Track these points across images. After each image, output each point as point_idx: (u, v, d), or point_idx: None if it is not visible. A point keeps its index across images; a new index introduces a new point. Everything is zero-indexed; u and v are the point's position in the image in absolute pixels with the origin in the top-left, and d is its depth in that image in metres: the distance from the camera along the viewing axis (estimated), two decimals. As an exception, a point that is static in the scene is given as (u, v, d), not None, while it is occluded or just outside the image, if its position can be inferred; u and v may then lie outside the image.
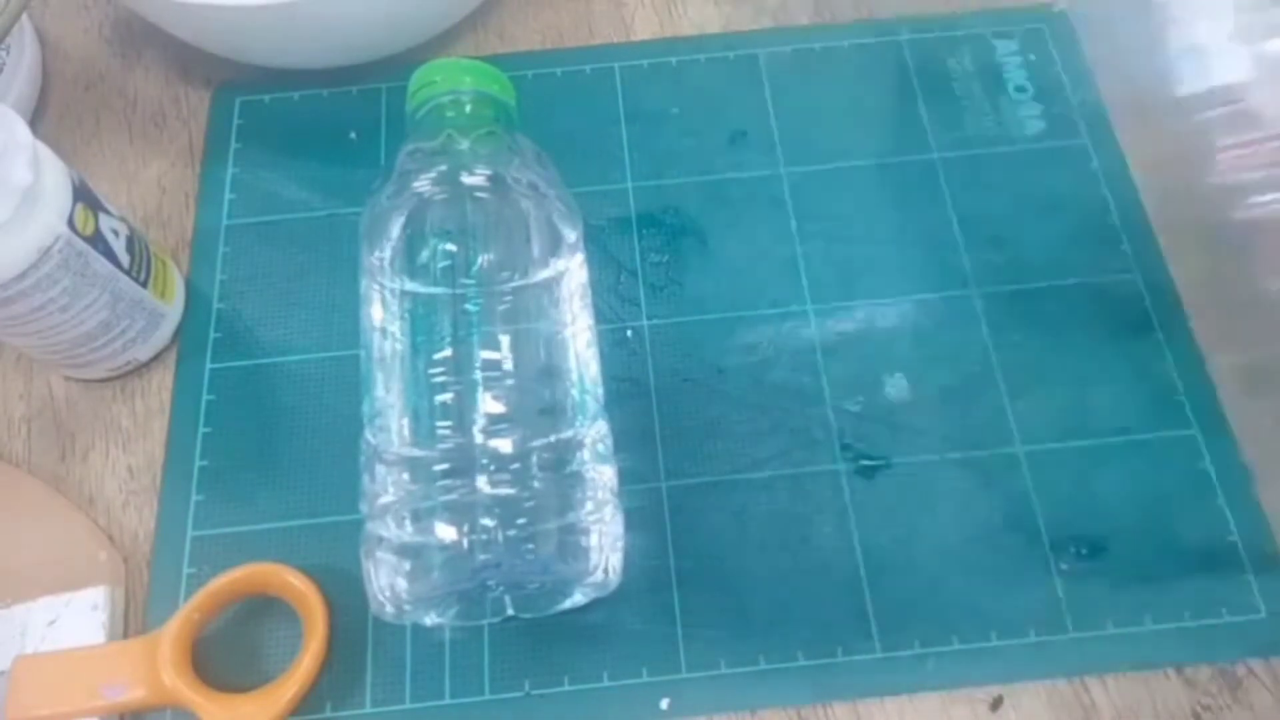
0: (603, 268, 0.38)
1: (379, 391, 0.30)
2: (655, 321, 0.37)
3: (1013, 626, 0.32)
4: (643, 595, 0.32)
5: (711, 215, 0.39)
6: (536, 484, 0.28)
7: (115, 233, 0.33)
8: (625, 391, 0.35)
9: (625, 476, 0.33)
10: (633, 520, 0.32)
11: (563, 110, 0.41)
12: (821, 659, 0.31)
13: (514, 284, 0.31)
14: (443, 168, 0.32)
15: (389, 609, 0.28)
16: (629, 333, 0.36)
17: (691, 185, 0.39)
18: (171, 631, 0.30)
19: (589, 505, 0.29)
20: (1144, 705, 0.31)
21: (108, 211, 0.33)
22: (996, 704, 0.31)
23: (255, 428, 0.35)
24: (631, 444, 0.34)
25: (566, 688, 0.31)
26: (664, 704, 0.31)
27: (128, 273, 0.33)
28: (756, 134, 0.40)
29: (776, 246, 0.38)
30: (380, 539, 0.29)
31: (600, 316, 0.36)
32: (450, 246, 0.31)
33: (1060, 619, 0.32)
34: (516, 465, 0.28)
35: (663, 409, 0.35)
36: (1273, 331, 0.36)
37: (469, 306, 0.30)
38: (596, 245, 0.38)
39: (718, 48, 0.42)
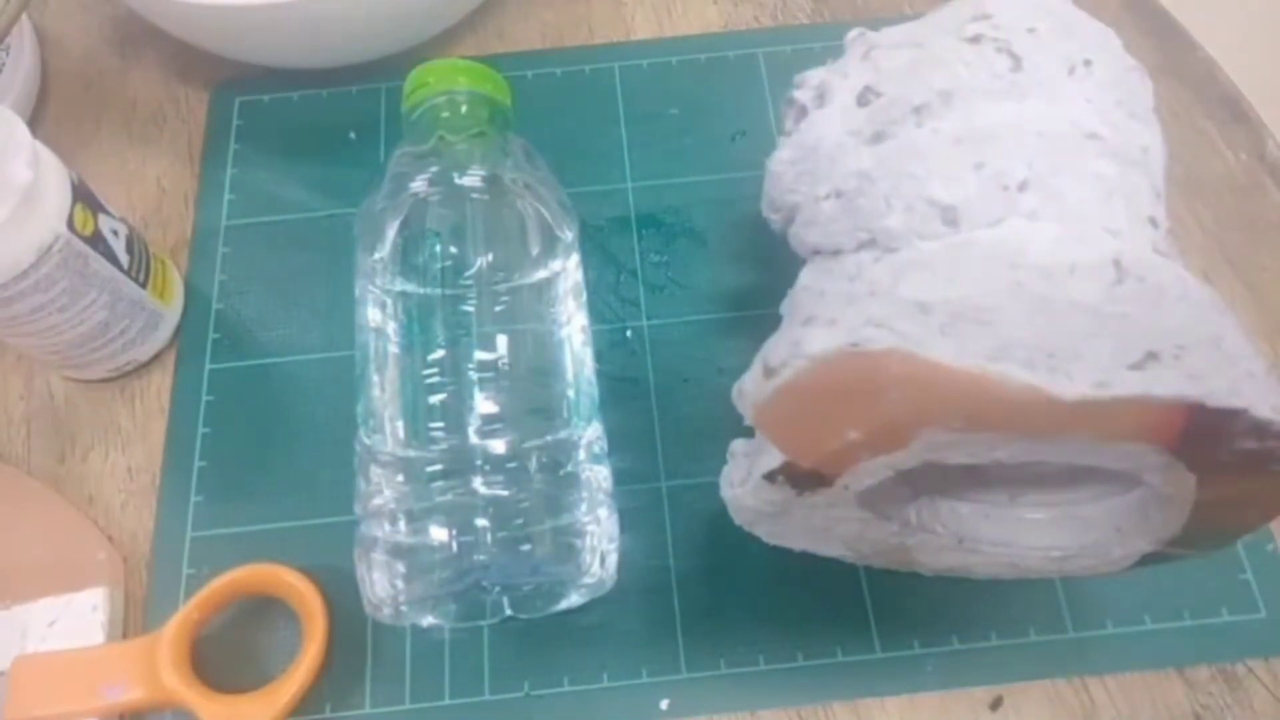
0: (602, 268, 0.38)
1: (374, 392, 0.30)
2: (655, 321, 0.37)
3: (1013, 626, 0.32)
4: (642, 595, 0.32)
5: (711, 215, 0.39)
6: (532, 485, 0.28)
7: (115, 233, 0.33)
8: (625, 391, 0.35)
9: (625, 476, 0.33)
10: (632, 520, 0.32)
11: (562, 110, 0.41)
12: (821, 659, 0.31)
13: (510, 284, 0.31)
14: (436, 169, 0.32)
15: (385, 610, 0.28)
16: (628, 333, 0.36)
17: (691, 185, 0.39)
18: (171, 632, 0.30)
19: (584, 506, 0.29)
20: (1144, 705, 0.31)
21: (107, 212, 0.33)
22: (996, 704, 0.31)
23: (254, 428, 0.35)
24: (631, 444, 0.34)
25: (566, 688, 0.31)
26: (664, 704, 0.31)
27: (127, 273, 0.33)
28: (756, 134, 0.40)
29: (777, 247, 0.38)
30: (375, 540, 0.28)
31: (600, 317, 0.36)
32: (448, 247, 0.31)
33: (1060, 619, 0.32)
34: (512, 466, 0.28)
35: (662, 409, 0.35)
36: None
37: (465, 307, 0.30)
38: (596, 245, 0.38)
39: (718, 48, 0.42)
